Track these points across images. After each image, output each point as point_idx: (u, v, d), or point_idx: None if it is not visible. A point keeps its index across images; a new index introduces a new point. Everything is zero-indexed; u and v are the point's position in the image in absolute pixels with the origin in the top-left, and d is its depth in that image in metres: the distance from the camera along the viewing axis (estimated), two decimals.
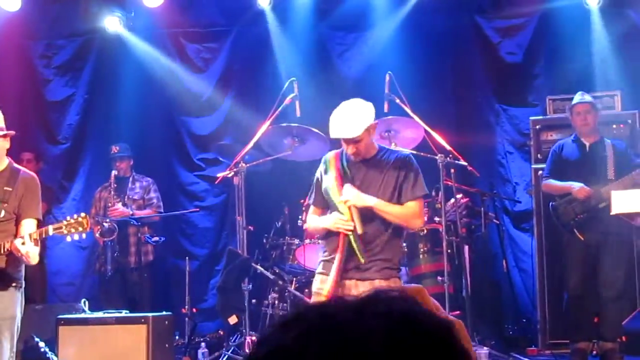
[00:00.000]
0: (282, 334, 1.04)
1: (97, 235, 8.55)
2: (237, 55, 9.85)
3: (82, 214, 5.71)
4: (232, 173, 7.75)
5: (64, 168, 9.95)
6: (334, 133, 5.21)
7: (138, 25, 9.81)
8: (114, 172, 8.75)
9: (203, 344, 8.19)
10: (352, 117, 5.13)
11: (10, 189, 5.55)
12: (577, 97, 7.49)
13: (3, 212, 5.52)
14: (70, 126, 10.00)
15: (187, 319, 8.50)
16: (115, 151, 8.90)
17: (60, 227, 5.59)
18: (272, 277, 7.77)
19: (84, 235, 5.81)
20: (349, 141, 5.15)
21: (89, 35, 9.92)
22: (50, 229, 5.62)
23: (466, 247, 7.91)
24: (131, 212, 8.65)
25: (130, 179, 8.95)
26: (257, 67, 9.58)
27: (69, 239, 5.75)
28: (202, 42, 9.96)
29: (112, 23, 9.64)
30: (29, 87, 9.95)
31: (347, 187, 5.15)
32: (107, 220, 8.47)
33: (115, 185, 8.74)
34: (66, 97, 10.01)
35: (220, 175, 7.90)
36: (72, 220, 5.62)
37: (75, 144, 10.00)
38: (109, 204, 8.62)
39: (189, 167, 9.92)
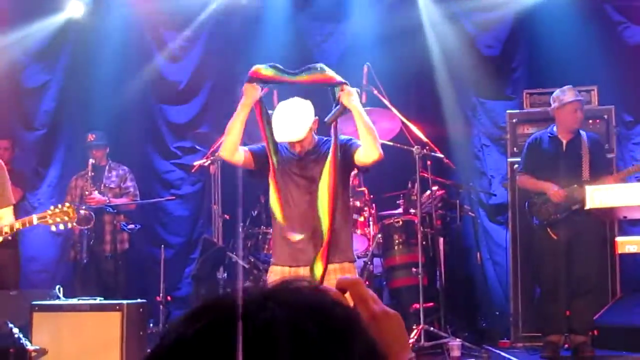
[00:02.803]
0: (184, 328, 1.02)
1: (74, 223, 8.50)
2: (215, 43, 9.82)
3: (67, 204, 5.72)
4: (209, 162, 7.74)
5: (39, 154, 9.88)
6: (279, 137, 5.24)
7: (115, 12, 9.74)
8: (91, 161, 8.69)
9: None
10: (295, 119, 5.20)
11: None
12: (568, 94, 7.48)
13: None
14: (46, 112, 9.92)
15: (161, 307, 8.49)
16: (92, 139, 8.84)
17: (45, 217, 5.61)
18: (247, 266, 7.78)
19: (69, 225, 5.81)
20: (294, 142, 5.24)
21: (65, 22, 9.83)
22: (35, 219, 5.64)
23: (441, 239, 7.94)
24: (108, 200, 8.61)
25: (107, 167, 8.90)
26: (235, 56, 9.54)
27: (53, 228, 5.76)
28: (179, 29, 9.92)
29: (77, 8, 9.61)
30: (5, 73, 9.86)
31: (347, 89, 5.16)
32: (84, 208, 8.43)
33: (92, 174, 8.69)
34: (42, 84, 9.93)
35: (196, 163, 7.89)
36: (57, 210, 5.62)
37: (51, 130, 9.92)
38: (86, 192, 8.57)
39: (165, 156, 9.89)
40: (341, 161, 5.14)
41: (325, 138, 5.40)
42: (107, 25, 9.72)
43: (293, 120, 5.22)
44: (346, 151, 5.19)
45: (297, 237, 5.16)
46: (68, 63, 9.90)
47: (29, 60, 9.97)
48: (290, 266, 5.22)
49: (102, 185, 8.75)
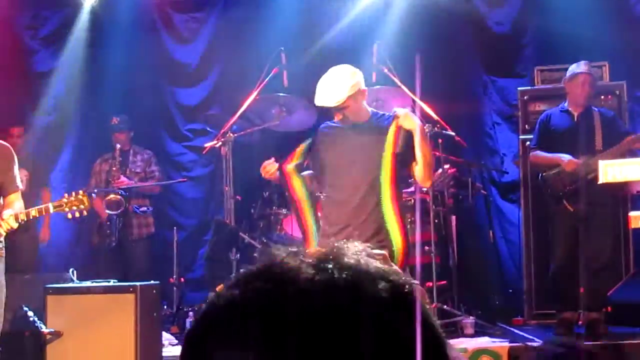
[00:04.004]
0: (236, 290, 1.03)
1: (104, 207, 8.54)
2: (225, 24, 9.79)
3: (81, 192, 5.76)
4: (220, 143, 7.73)
5: (50, 139, 9.89)
6: (317, 101, 5.22)
7: None
8: (118, 146, 8.71)
9: (191, 314, 8.21)
10: (335, 85, 5.13)
11: None
12: (581, 67, 7.45)
13: None
14: (55, 98, 9.93)
15: (175, 288, 8.53)
16: (115, 122, 8.86)
17: (61, 205, 5.65)
18: (259, 247, 7.79)
19: (84, 213, 5.84)
20: (333, 109, 5.16)
21: (74, 6, 9.83)
22: (51, 207, 5.68)
23: (453, 218, 7.94)
24: (135, 184, 8.66)
25: (131, 151, 8.93)
26: (245, 36, 9.51)
27: (69, 216, 5.79)
28: (188, 11, 9.91)
29: None
30: (16, 58, 9.87)
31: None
32: (118, 192, 8.46)
33: (120, 159, 8.73)
34: (52, 68, 9.94)
35: (207, 145, 7.88)
36: (72, 198, 5.66)
37: (62, 115, 9.93)
38: (113, 177, 8.60)
39: (176, 138, 9.90)
40: (399, 164, 5.15)
41: (382, 113, 5.38)
42: (116, 8, 9.71)
43: (333, 86, 5.14)
44: (405, 160, 5.17)
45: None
46: (77, 48, 9.89)
47: (39, 45, 9.98)
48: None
49: (128, 169, 8.78)
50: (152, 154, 9.00)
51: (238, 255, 7.65)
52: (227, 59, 9.75)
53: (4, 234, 5.47)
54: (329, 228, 5.26)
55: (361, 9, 9.44)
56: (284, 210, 8.01)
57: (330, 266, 1.02)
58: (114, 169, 8.67)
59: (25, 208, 5.65)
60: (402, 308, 1.01)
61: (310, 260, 1.04)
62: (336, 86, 5.11)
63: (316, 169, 5.41)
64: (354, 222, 5.16)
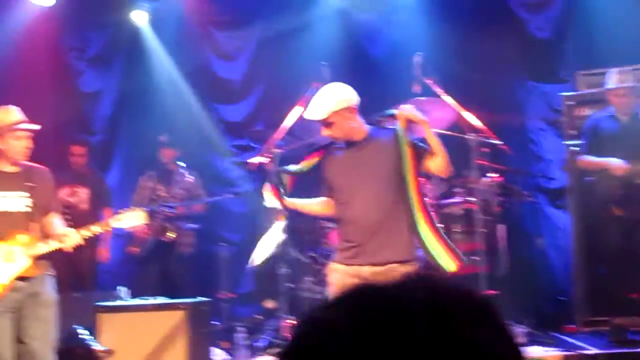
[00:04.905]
0: (328, 311, 1.06)
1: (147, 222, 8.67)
2: (267, 41, 9.86)
3: (138, 208, 5.89)
4: (265, 159, 7.76)
5: (99, 158, 10.02)
6: (305, 114, 5.28)
7: (167, 15, 9.86)
8: (164, 162, 8.86)
9: (241, 329, 8.24)
10: (321, 99, 5.14)
11: (33, 185, 5.67)
12: (616, 78, 7.38)
13: (28, 207, 5.64)
14: (104, 117, 10.09)
15: (224, 304, 8.57)
16: (162, 140, 8.97)
17: (120, 220, 5.77)
18: (306, 260, 7.80)
19: (143, 226, 5.98)
20: (320, 123, 5.18)
21: (119, 27, 9.98)
22: (112, 222, 5.82)
23: (501, 226, 7.88)
24: (179, 202, 8.76)
25: (176, 170, 9.02)
26: (287, 52, 9.57)
27: (129, 229, 5.95)
28: (231, 29, 10.00)
29: (139, 15, 9.77)
30: (64, 79, 10.03)
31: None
32: (167, 208, 8.56)
33: (164, 176, 8.84)
34: (99, 88, 10.10)
35: (252, 161, 7.92)
36: (129, 213, 5.79)
37: (110, 134, 10.09)
38: (159, 194, 8.71)
39: (222, 154, 9.98)
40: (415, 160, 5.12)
41: (381, 127, 5.34)
42: (159, 28, 9.83)
43: (319, 101, 5.17)
44: (420, 154, 5.14)
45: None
46: (123, 67, 10.04)
47: (85, 66, 10.13)
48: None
49: (173, 188, 8.87)
50: (197, 176, 9.07)
51: (285, 269, 7.67)
52: (270, 75, 9.81)
53: (71, 249, 5.62)
54: (346, 244, 5.23)
55: (401, 21, 9.45)
56: (330, 224, 8.01)
57: (412, 287, 1.05)
58: (158, 186, 8.77)
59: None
60: (484, 324, 1.05)
61: (397, 283, 1.07)
62: (322, 101, 5.13)
63: (326, 191, 5.40)
64: (370, 239, 5.12)
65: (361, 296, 1.07)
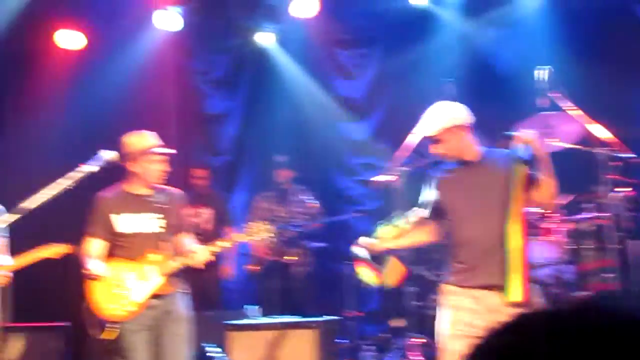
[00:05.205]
0: (507, 336, 1.06)
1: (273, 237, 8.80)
2: (389, 58, 9.88)
3: (263, 222, 6.00)
4: (390, 177, 7.76)
5: (224, 179, 10.22)
6: (414, 133, 5.22)
7: (289, 36, 10.00)
8: (280, 183, 8.97)
9: (368, 347, 8.25)
10: (433, 117, 5.06)
11: (166, 206, 5.83)
12: None
13: (162, 228, 5.82)
14: (229, 138, 10.29)
15: (350, 322, 8.58)
16: (280, 160, 9.10)
17: (251, 234, 5.90)
18: (433, 278, 7.75)
19: (271, 239, 6.09)
20: (429, 140, 5.09)
21: (242, 50, 10.18)
22: (242, 237, 5.96)
23: (633, 242, 7.66)
24: (301, 222, 8.86)
25: (293, 191, 9.12)
26: (409, 69, 9.57)
27: (254, 242, 6.06)
28: (354, 47, 10.06)
29: (264, 37, 9.94)
30: (190, 102, 10.29)
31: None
32: (291, 227, 8.69)
33: (279, 197, 8.96)
34: (225, 110, 10.31)
35: (376, 179, 7.92)
36: (256, 228, 5.91)
37: (235, 155, 10.28)
38: (278, 214, 8.83)
39: (345, 172, 10.03)
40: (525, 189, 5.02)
41: (496, 149, 5.25)
42: (282, 49, 9.98)
43: (431, 118, 5.11)
44: (530, 183, 5.04)
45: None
46: (248, 89, 10.23)
47: (210, 88, 10.36)
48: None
49: (289, 208, 8.97)
50: (313, 196, 9.14)
51: (413, 288, 7.64)
52: (393, 93, 9.83)
53: (202, 265, 5.79)
54: (459, 266, 5.15)
55: (522, 32, 9.34)
56: None
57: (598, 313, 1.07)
58: (275, 207, 8.88)
59: None
60: None
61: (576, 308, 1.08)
62: (434, 118, 5.05)
63: (433, 213, 5.32)
64: (483, 262, 5.02)
65: (552, 322, 1.06)
